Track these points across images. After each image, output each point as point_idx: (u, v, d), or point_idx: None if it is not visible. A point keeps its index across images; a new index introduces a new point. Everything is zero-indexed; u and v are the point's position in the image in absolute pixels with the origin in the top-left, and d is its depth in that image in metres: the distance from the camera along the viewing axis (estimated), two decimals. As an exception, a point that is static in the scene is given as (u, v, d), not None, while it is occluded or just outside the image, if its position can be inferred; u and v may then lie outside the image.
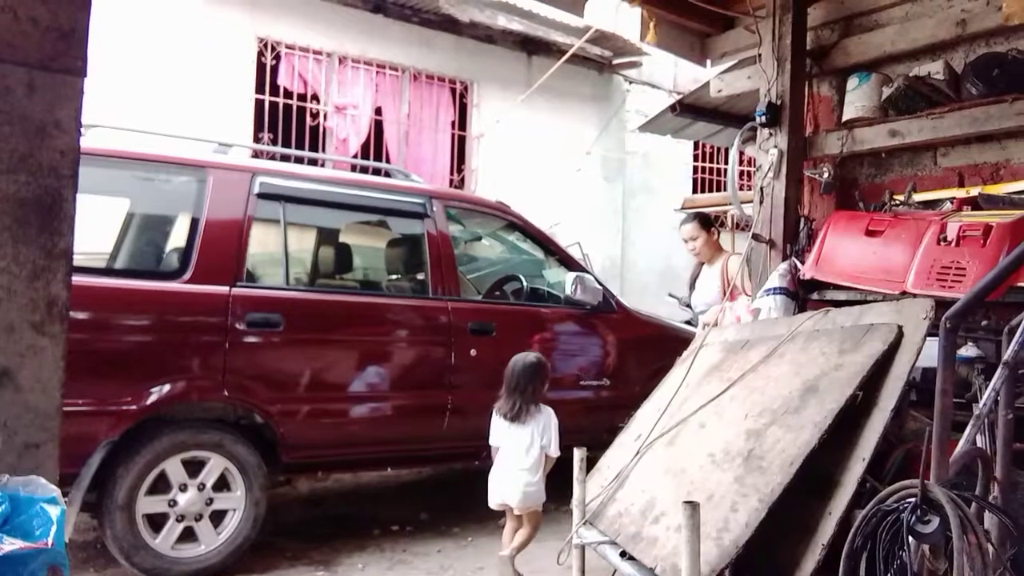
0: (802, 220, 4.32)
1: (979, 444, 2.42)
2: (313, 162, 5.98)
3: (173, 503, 3.44)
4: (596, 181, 9.36)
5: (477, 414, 4.22)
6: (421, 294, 4.31)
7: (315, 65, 7.48)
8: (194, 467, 3.50)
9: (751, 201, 4.65)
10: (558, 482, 3.89)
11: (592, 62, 9.10)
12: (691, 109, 6.00)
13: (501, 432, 3.55)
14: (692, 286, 4.76)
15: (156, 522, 3.42)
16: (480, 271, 5.70)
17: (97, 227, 3.88)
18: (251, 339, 3.62)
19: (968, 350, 3.11)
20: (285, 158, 5.41)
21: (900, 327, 2.57)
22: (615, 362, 4.82)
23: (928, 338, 2.52)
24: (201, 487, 3.50)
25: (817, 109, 4.72)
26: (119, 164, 3.56)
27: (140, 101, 6.22)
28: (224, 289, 3.58)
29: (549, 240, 5.09)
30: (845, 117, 4.35)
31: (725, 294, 4.35)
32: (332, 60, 7.59)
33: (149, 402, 3.37)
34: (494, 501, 3.53)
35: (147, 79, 6.46)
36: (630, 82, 9.70)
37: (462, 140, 8.48)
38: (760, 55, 4.46)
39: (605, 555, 2.74)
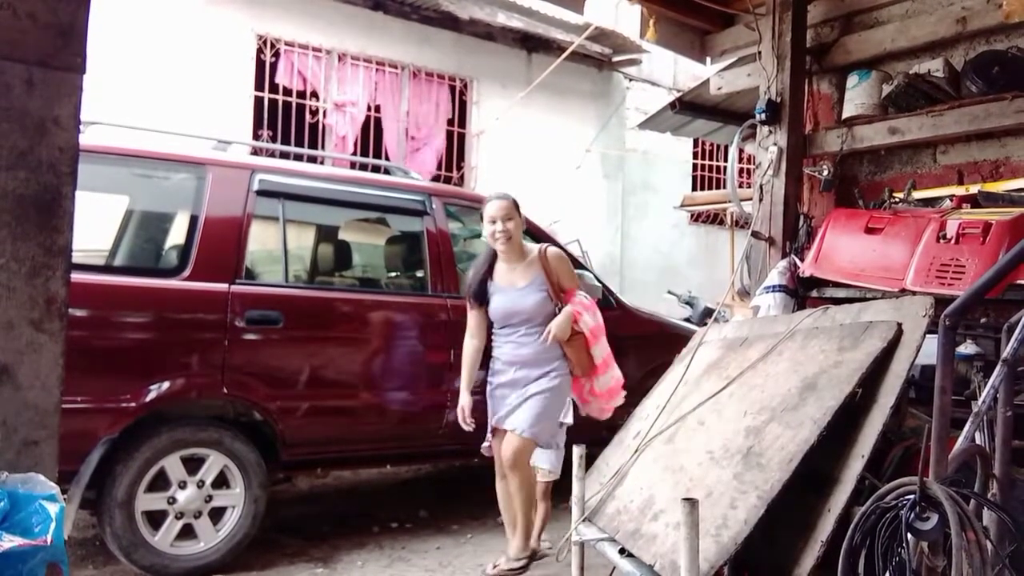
0: (801, 217, 4.32)
1: (978, 441, 2.42)
2: (312, 159, 5.97)
3: (172, 500, 3.44)
4: (596, 179, 9.36)
5: (476, 411, 4.22)
6: (420, 291, 4.31)
7: (314, 62, 7.48)
8: (193, 464, 3.50)
9: (751, 199, 4.66)
10: (557, 479, 3.89)
11: (592, 59, 9.09)
12: (691, 107, 6.01)
13: None
14: (478, 289, 3.62)
15: (155, 519, 3.42)
16: (479, 268, 5.69)
17: (96, 224, 3.88)
18: (250, 336, 3.62)
19: (967, 347, 3.11)
20: (284, 155, 5.41)
21: (899, 324, 2.57)
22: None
23: (927, 335, 2.52)
24: (200, 484, 3.50)
25: (817, 106, 4.72)
26: (118, 161, 3.55)
27: (139, 98, 6.21)
28: (223, 286, 3.58)
29: (549, 237, 5.09)
30: (845, 115, 4.36)
31: (555, 298, 3.53)
32: (331, 57, 7.59)
33: (148, 399, 3.37)
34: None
35: (146, 76, 6.45)
36: (630, 79, 9.69)
37: (462, 137, 8.47)
38: (760, 52, 4.46)
39: (604, 552, 2.74)
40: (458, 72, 8.37)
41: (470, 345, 3.65)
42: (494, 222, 3.50)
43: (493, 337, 3.63)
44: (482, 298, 3.60)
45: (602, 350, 3.59)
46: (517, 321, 3.54)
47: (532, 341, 3.50)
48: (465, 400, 3.59)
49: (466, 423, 3.57)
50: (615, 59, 9.27)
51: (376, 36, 7.76)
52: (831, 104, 4.66)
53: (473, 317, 3.66)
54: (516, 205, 3.57)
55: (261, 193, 3.78)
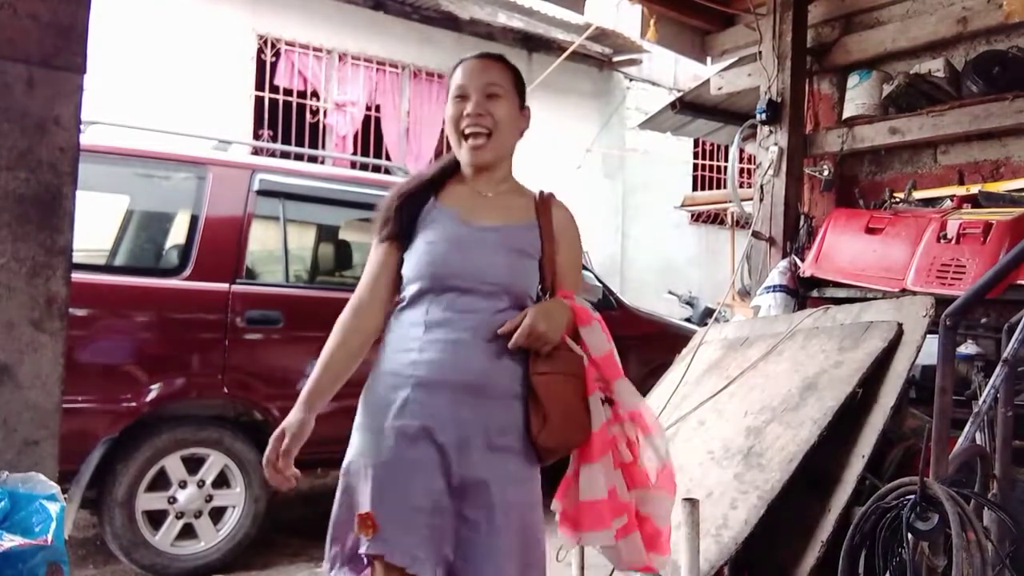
0: (802, 217, 4.32)
1: (978, 441, 2.42)
2: (313, 159, 5.98)
3: (173, 500, 3.44)
4: (596, 178, 9.36)
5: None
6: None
7: (315, 62, 7.48)
8: (194, 464, 3.50)
9: (751, 199, 4.65)
10: (557, 479, 3.89)
11: (592, 59, 9.09)
12: (691, 106, 6.00)
13: None
14: (404, 211, 1.76)
15: (156, 519, 3.42)
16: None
17: (97, 224, 3.87)
18: (251, 336, 3.62)
19: (968, 347, 3.11)
20: (285, 155, 5.41)
21: (900, 325, 2.57)
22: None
23: (928, 335, 2.52)
24: (201, 484, 3.50)
25: (817, 106, 4.71)
26: (119, 161, 3.55)
27: (140, 98, 6.21)
28: (224, 286, 3.58)
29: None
30: (845, 115, 4.35)
31: (548, 289, 1.77)
32: (332, 57, 7.59)
33: (148, 399, 3.37)
34: None
35: (147, 76, 6.45)
36: (630, 79, 9.70)
37: (462, 137, 8.48)
38: (760, 52, 4.46)
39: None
40: (459, 72, 8.37)
41: (351, 324, 1.74)
42: (464, 97, 1.75)
43: (401, 319, 1.72)
44: (403, 228, 1.74)
45: (630, 403, 1.79)
46: (470, 287, 1.66)
47: (499, 340, 1.63)
48: (294, 419, 1.69)
49: (278, 469, 1.69)
50: (615, 59, 9.27)
51: (376, 36, 7.76)
52: (831, 104, 4.66)
53: (375, 265, 1.76)
54: (515, 74, 1.87)
55: (261, 193, 3.78)
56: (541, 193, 1.96)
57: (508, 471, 1.62)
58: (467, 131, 1.73)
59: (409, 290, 1.70)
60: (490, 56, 1.84)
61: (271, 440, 1.66)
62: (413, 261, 1.70)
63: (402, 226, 1.74)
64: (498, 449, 1.62)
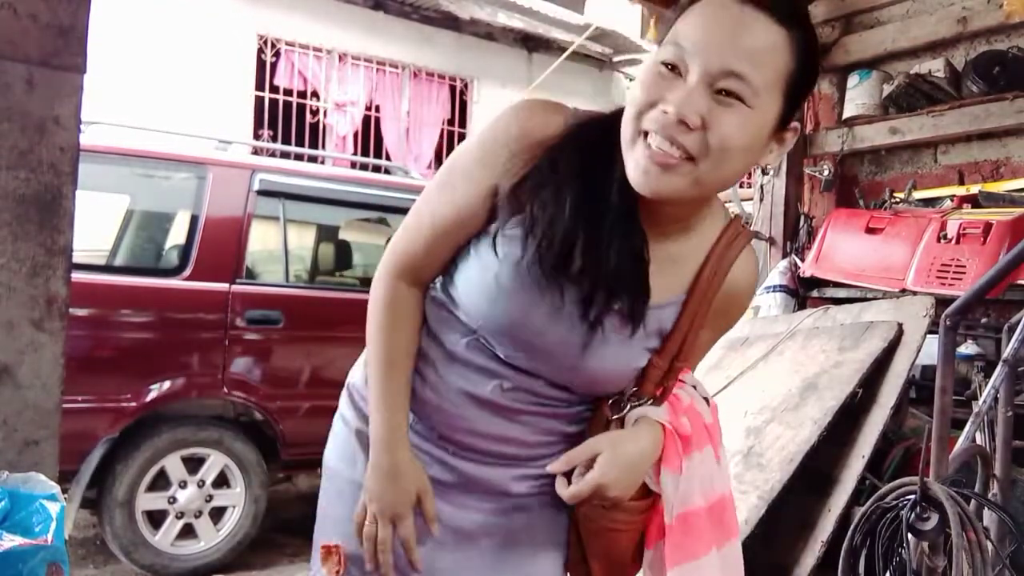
0: (802, 218, 4.32)
1: (979, 441, 2.42)
2: (313, 159, 5.98)
3: (173, 500, 3.45)
4: (596, 178, 9.36)
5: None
6: (421, 291, 4.30)
7: (315, 62, 7.48)
8: (194, 464, 3.50)
9: (751, 199, 4.66)
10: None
11: (592, 59, 9.10)
12: (691, 106, 6.00)
13: None
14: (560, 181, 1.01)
15: (156, 519, 3.43)
16: (480, 268, 5.68)
17: (97, 224, 3.88)
18: (251, 336, 3.62)
19: (968, 347, 3.11)
20: (285, 155, 5.41)
21: (900, 324, 2.57)
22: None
23: (928, 335, 2.52)
24: (201, 484, 3.50)
25: (817, 106, 4.71)
26: (119, 161, 3.55)
27: (140, 98, 6.21)
28: (224, 286, 3.58)
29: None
30: (845, 115, 4.35)
31: (653, 372, 1.10)
32: (332, 57, 7.59)
33: (148, 399, 3.37)
34: None
35: (147, 76, 6.46)
36: (630, 80, 9.70)
37: (462, 137, 8.48)
38: (760, 52, 4.46)
39: (604, 552, 2.73)
40: (458, 72, 8.37)
41: (411, 296, 1.14)
42: (676, 70, 0.92)
43: (428, 320, 1.15)
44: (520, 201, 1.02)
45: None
46: (533, 368, 1.07)
47: (548, 421, 1.12)
48: (415, 473, 1.14)
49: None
50: (616, 59, 9.27)
51: (376, 36, 7.77)
52: (832, 104, 4.66)
53: (454, 214, 1.07)
54: (798, 54, 0.92)
55: (262, 193, 3.78)
56: (724, 239, 1.09)
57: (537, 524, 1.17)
58: (651, 139, 0.92)
59: (464, 322, 1.10)
60: (761, 5, 0.91)
61: (400, 515, 1.13)
62: (471, 278, 1.07)
63: (514, 205, 1.03)
64: (523, 495, 1.16)
